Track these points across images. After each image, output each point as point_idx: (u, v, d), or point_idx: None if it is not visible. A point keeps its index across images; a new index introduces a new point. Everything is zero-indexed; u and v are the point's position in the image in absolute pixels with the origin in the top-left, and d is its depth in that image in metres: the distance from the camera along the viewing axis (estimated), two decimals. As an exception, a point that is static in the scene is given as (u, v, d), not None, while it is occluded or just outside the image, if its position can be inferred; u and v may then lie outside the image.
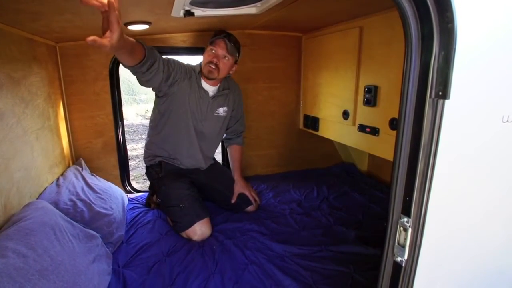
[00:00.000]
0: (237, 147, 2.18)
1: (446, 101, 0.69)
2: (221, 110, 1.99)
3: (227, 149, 2.24)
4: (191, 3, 1.47)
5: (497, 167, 0.85)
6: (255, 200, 2.07)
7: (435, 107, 0.70)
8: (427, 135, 0.72)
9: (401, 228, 0.80)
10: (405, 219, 0.79)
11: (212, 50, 1.79)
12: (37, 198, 1.58)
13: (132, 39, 1.26)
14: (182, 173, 1.98)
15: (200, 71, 1.86)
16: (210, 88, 1.91)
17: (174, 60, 1.77)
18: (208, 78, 1.85)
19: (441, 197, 0.77)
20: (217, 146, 2.17)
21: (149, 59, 1.47)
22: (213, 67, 1.78)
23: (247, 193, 2.05)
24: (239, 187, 2.06)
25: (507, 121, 0.80)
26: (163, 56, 1.66)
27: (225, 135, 2.17)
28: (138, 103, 14.15)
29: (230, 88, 2.01)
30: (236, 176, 2.12)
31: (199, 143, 1.97)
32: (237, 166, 2.15)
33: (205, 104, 1.90)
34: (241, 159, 2.19)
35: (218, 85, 1.94)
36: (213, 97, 1.92)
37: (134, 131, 7.73)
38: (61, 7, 1.31)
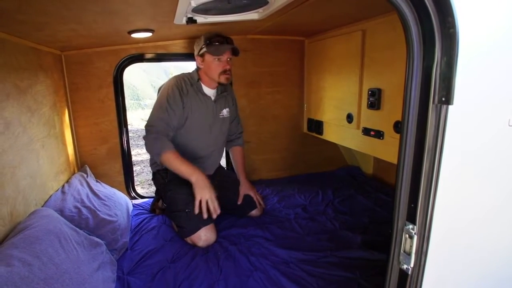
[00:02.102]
0: (238, 149, 2.19)
1: (450, 106, 0.68)
2: (225, 112, 2.04)
3: (229, 152, 2.25)
4: (194, 11, 1.47)
5: (504, 172, 0.83)
6: (260, 204, 2.06)
7: (438, 113, 0.69)
8: (431, 141, 0.70)
9: (407, 235, 0.79)
10: (410, 226, 0.78)
11: (217, 59, 1.82)
12: (42, 206, 1.59)
13: (180, 164, 1.72)
14: None
15: (199, 78, 1.90)
16: (211, 92, 1.96)
17: (172, 107, 1.80)
18: (223, 85, 1.93)
19: (447, 204, 0.76)
20: (223, 149, 2.18)
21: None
22: (229, 74, 1.86)
23: (252, 194, 2.04)
24: (245, 189, 2.06)
25: (514, 124, 0.78)
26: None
27: None
28: (143, 108, 14.29)
29: (226, 90, 2.07)
30: (242, 178, 2.12)
31: (211, 150, 2.02)
32: (241, 168, 2.15)
33: (210, 110, 1.95)
34: (244, 160, 2.19)
35: (216, 87, 1.98)
36: (215, 100, 1.97)
37: (139, 136, 7.77)
38: (65, 17, 1.34)
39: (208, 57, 1.83)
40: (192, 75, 1.93)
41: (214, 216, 1.71)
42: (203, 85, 1.92)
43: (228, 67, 1.84)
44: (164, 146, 1.74)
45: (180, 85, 1.86)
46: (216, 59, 1.82)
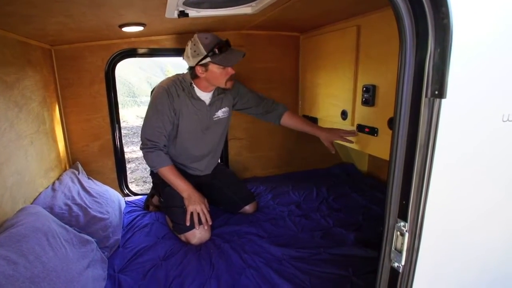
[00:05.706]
0: (287, 115, 2.08)
1: (443, 100, 0.66)
2: (221, 113, 1.94)
3: (282, 123, 2.10)
4: (185, 4, 1.45)
5: (497, 167, 0.82)
6: (351, 134, 1.94)
7: (431, 106, 0.67)
8: (423, 136, 0.69)
9: (398, 233, 0.77)
10: (402, 224, 0.76)
11: (223, 68, 1.69)
12: (31, 203, 1.56)
13: (174, 179, 1.76)
14: (186, 174, 1.96)
15: (192, 82, 1.79)
16: (206, 96, 1.85)
17: (163, 113, 1.74)
18: (226, 90, 1.85)
19: (439, 200, 0.75)
20: (221, 148, 2.13)
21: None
22: (233, 78, 1.77)
23: (337, 137, 1.94)
24: (326, 136, 1.97)
25: (508, 120, 0.77)
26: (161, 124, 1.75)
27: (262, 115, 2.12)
28: (138, 105, 14.21)
29: (225, 92, 1.94)
30: (317, 130, 2.02)
31: (206, 152, 1.98)
32: (307, 124, 2.06)
33: (204, 114, 1.86)
34: (302, 119, 2.10)
35: (213, 90, 1.87)
36: (210, 104, 1.87)
37: (134, 133, 7.72)
38: (53, 9, 1.30)
39: (213, 67, 1.67)
40: (185, 78, 1.81)
41: (206, 227, 1.74)
42: (197, 89, 1.80)
43: (233, 72, 1.73)
44: (161, 162, 1.74)
45: (170, 90, 1.76)
46: (222, 68, 1.68)
